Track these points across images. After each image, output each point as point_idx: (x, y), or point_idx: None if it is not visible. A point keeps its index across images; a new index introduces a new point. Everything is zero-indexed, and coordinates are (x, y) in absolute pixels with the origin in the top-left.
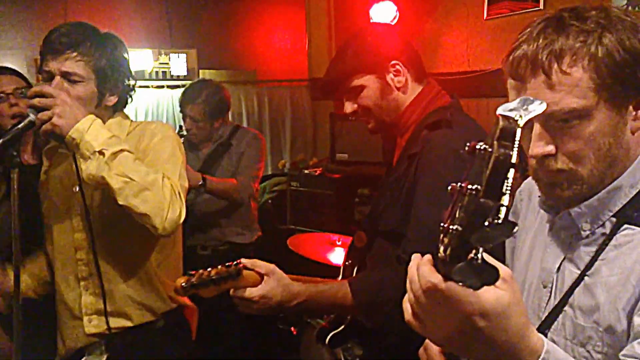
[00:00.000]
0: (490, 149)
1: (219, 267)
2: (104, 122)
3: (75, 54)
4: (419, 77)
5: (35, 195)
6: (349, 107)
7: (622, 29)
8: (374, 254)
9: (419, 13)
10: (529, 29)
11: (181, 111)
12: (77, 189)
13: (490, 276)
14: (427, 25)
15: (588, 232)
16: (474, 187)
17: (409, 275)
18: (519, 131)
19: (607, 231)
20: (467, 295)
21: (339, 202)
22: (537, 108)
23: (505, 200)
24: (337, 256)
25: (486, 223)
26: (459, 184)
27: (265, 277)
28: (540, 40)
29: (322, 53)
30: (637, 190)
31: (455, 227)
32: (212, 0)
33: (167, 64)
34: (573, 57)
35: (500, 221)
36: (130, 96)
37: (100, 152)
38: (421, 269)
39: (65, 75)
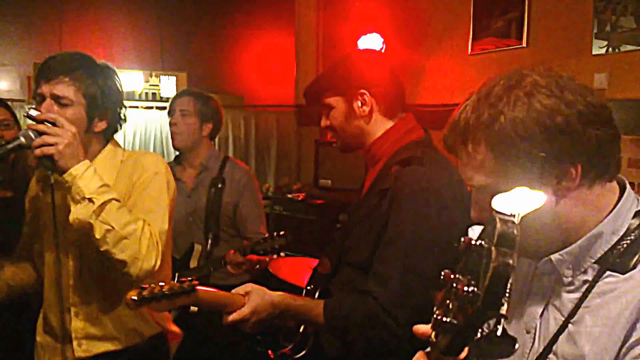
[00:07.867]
0: (486, 246)
1: (173, 283)
2: (95, 149)
3: (67, 78)
4: (390, 113)
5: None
6: (323, 121)
7: (528, 109)
8: (341, 282)
9: (405, 45)
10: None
11: (169, 110)
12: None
13: None
14: (412, 57)
15: (570, 279)
16: (470, 290)
17: None
18: (518, 236)
19: (590, 278)
20: None
21: (321, 227)
22: (536, 202)
23: (504, 309)
24: None
25: (483, 332)
26: (455, 276)
27: (246, 296)
28: (460, 115)
29: (310, 80)
30: (619, 237)
31: (449, 319)
32: (203, 25)
33: (157, 85)
34: (475, 139)
35: (499, 334)
36: (120, 124)
37: (90, 200)
38: None
39: (56, 99)
